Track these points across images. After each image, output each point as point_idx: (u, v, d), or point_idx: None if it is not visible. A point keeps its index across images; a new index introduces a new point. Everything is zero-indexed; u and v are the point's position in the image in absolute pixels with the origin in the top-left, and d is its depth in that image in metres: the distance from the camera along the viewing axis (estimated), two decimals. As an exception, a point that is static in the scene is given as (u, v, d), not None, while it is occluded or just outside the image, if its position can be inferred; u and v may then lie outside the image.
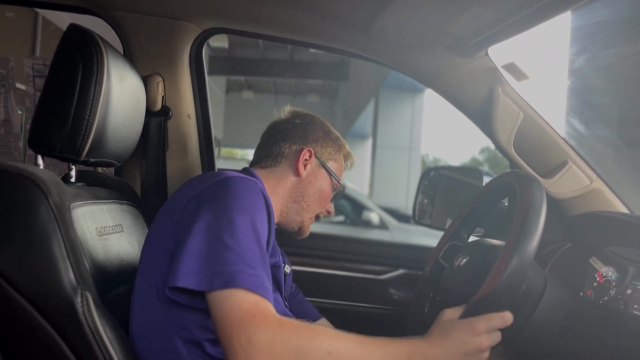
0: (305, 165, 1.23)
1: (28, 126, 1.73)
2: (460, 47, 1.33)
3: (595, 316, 1.00)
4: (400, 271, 1.77)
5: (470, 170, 2.05)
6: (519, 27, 1.17)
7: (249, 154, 22.58)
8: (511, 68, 1.46)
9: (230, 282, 0.80)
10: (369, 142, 15.46)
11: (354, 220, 6.95)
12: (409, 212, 7.52)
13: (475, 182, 1.64)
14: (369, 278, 1.77)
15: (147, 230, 1.25)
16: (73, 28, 1.02)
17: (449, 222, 1.43)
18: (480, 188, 1.30)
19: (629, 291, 1.05)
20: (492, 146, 1.47)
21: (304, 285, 1.63)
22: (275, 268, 1.10)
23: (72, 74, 0.98)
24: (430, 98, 13.04)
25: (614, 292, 1.08)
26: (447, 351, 0.83)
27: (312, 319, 1.40)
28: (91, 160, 1.05)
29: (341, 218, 6.95)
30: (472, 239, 1.25)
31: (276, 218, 1.23)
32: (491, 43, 1.29)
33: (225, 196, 0.92)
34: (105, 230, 1.06)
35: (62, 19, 4.71)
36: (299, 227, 1.27)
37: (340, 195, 1.36)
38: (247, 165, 1.31)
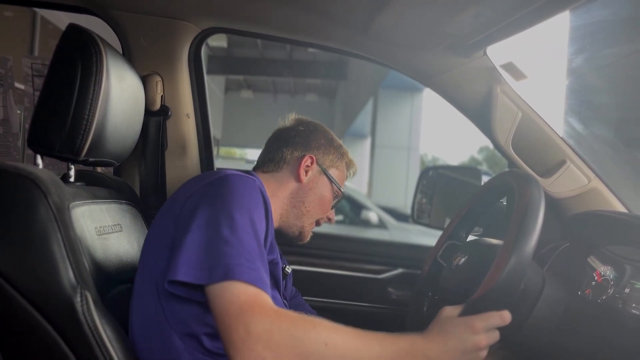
0: (306, 172, 1.25)
1: (27, 126, 1.73)
2: (459, 46, 1.33)
3: (594, 315, 1.01)
4: (399, 270, 1.78)
5: (469, 170, 2.06)
6: (518, 27, 1.18)
7: (248, 153, 22.59)
8: (509, 68, 1.46)
9: (228, 275, 0.81)
10: (368, 141, 15.47)
11: (353, 220, 6.96)
12: (408, 211, 7.54)
13: (473, 181, 1.64)
14: (367, 277, 1.78)
15: (146, 230, 1.26)
16: (72, 28, 1.02)
17: (447, 221, 1.44)
18: (478, 187, 1.30)
19: (627, 290, 1.06)
20: (491, 145, 1.47)
21: (303, 285, 1.63)
22: (273, 265, 1.10)
23: (71, 73, 0.98)
24: (429, 97, 13.06)
25: (612, 291, 1.08)
26: (445, 348, 0.84)
27: None
28: (90, 159, 1.05)
29: (340, 217, 6.95)
30: (470, 238, 1.25)
31: (276, 222, 1.24)
32: (489, 43, 1.29)
33: (224, 193, 0.93)
34: (105, 229, 1.06)
35: (61, 19, 4.71)
36: (300, 232, 1.28)
37: (340, 207, 1.37)
38: (245, 164, 1.32)
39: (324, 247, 1.78)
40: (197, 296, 0.87)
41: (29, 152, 1.74)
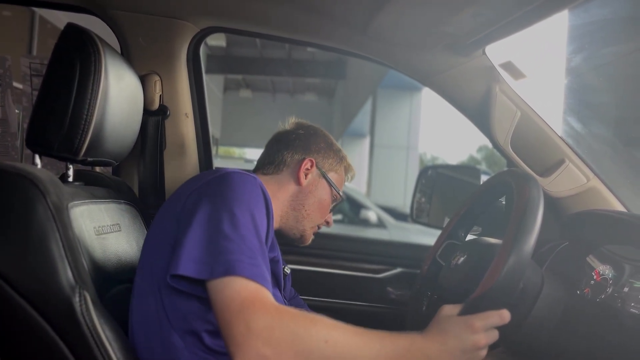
0: (306, 175, 1.26)
1: (25, 125, 1.73)
2: (458, 46, 1.33)
3: (593, 314, 1.01)
4: (398, 270, 1.78)
5: (468, 169, 2.06)
6: (516, 26, 1.18)
7: (247, 152, 22.58)
8: (508, 67, 1.46)
9: (229, 270, 0.81)
10: (367, 140, 15.48)
11: (352, 219, 6.96)
12: (407, 210, 7.53)
13: (472, 180, 1.64)
14: (366, 277, 1.78)
15: (145, 230, 1.26)
16: (70, 27, 1.02)
17: (446, 220, 1.44)
18: (477, 187, 1.30)
19: (626, 289, 1.06)
20: (490, 145, 1.47)
21: (302, 284, 1.63)
22: (274, 263, 1.11)
23: (69, 73, 0.98)
24: (428, 97, 13.06)
25: (611, 290, 1.08)
26: (444, 347, 0.84)
27: None
28: (89, 159, 1.05)
29: (339, 217, 6.96)
30: (469, 237, 1.25)
31: (276, 223, 1.25)
32: (488, 42, 1.29)
33: (224, 190, 0.94)
34: (103, 229, 1.06)
35: (59, 18, 4.71)
36: (301, 234, 1.30)
37: (339, 206, 1.37)
38: (244, 163, 1.32)
39: (323, 246, 1.78)
40: (198, 291, 0.87)
41: (28, 151, 1.74)
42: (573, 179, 1.35)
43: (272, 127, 1.40)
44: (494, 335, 0.86)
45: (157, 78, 1.47)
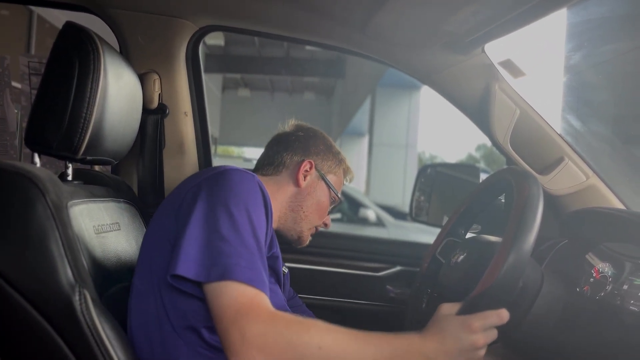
0: (305, 176, 1.27)
1: (24, 124, 1.73)
2: (457, 44, 1.33)
3: (592, 311, 1.01)
4: (398, 268, 1.78)
5: (467, 167, 2.06)
6: (515, 24, 1.18)
7: (245, 151, 22.55)
8: (508, 65, 1.46)
9: (226, 274, 0.82)
10: (366, 139, 15.48)
11: (351, 218, 6.97)
12: (406, 209, 7.54)
13: (472, 179, 1.64)
14: (366, 275, 1.78)
15: (144, 228, 1.26)
16: (69, 26, 1.02)
17: (445, 219, 1.44)
18: (477, 185, 1.30)
19: (625, 287, 1.06)
20: (489, 143, 1.47)
21: (301, 283, 1.63)
22: (273, 259, 1.12)
23: (68, 71, 0.98)
24: (427, 95, 13.07)
25: (610, 287, 1.08)
26: (442, 347, 0.83)
27: None
28: (88, 158, 1.05)
29: (338, 215, 6.96)
30: (469, 235, 1.25)
31: (274, 224, 1.26)
32: (488, 40, 1.29)
33: (222, 187, 0.94)
34: (103, 228, 1.05)
35: (57, 17, 4.70)
36: (298, 236, 1.31)
37: (338, 208, 1.38)
38: (243, 162, 1.33)
39: (322, 245, 1.78)
40: (198, 292, 0.87)
41: (27, 150, 1.74)
42: (572, 177, 1.35)
43: (271, 126, 1.40)
44: (493, 335, 0.86)
45: (156, 77, 1.47)
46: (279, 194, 1.26)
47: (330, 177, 1.31)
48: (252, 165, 1.35)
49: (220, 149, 20.49)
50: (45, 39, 4.70)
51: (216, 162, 1.66)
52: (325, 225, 1.37)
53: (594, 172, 1.35)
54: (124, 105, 1.14)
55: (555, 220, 1.37)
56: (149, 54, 1.48)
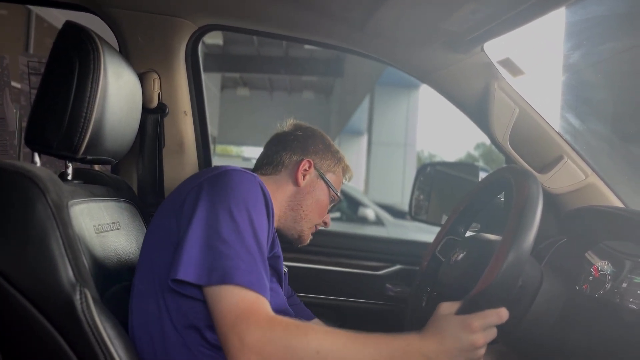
0: (304, 176, 1.27)
1: (23, 124, 1.73)
2: (456, 43, 1.33)
3: (591, 309, 1.01)
4: (397, 267, 1.78)
5: (466, 166, 2.07)
6: (515, 23, 1.18)
7: (244, 151, 22.53)
8: (507, 64, 1.46)
9: (226, 278, 0.83)
10: (365, 138, 15.47)
11: (350, 217, 6.97)
12: (405, 208, 7.54)
13: (471, 177, 1.65)
14: (365, 274, 1.78)
15: (144, 228, 1.26)
16: (69, 25, 1.02)
17: (444, 218, 1.44)
18: (476, 183, 1.30)
19: (624, 285, 1.06)
20: (488, 142, 1.47)
21: (301, 282, 1.64)
22: (275, 258, 1.12)
23: (68, 71, 0.98)
24: (426, 94, 13.07)
25: (609, 285, 1.09)
26: (441, 347, 0.84)
27: (306, 320, 1.41)
28: (88, 157, 1.05)
29: (337, 214, 6.96)
30: (469, 234, 1.25)
31: (275, 223, 1.26)
32: (487, 39, 1.29)
33: (223, 188, 0.94)
34: (103, 227, 1.06)
35: (56, 17, 4.69)
36: (299, 235, 1.31)
37: (337, 207, 1.38)
38: (242, 162, 1.33)
39: (322, 243, 1.78)
40: (199, 294, 0.88)
41: (26, 150, 1.74)
42: (571, 176, 1.35)
43: (270, 125, 1.40)
44: (492, 334, 0.86)
45: (155, 76, 1.47)
46: (279, 194, 1.26)
47: (330, 176, 1.31)
48: (251, 164, 1.35)
49: (219, 148, 20.47)
50: (44, 38, 4.70)
51: (215, 161, 1.67)
52: (325, 223, 1.37)
53: (593, 170, 1.36)
54: (124, 105, 1.14)
55: (555, 219, 1.37)
56: (148, 54, 1.48)
